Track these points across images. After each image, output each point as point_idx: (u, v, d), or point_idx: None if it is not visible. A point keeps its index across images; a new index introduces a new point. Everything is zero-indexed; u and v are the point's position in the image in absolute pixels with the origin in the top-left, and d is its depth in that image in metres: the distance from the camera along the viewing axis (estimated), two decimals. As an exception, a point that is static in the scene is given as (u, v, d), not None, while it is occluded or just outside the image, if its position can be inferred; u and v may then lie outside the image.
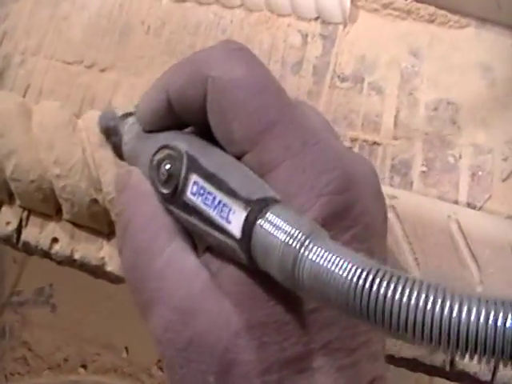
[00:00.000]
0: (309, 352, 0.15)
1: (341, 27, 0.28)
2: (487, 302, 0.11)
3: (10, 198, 0.24)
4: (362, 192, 0.16)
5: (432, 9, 0.28)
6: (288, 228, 0.13)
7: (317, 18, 0.29)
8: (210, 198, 0.15)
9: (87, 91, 0.27)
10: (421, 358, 0.21)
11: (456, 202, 0.24)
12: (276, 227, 0.13)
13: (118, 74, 0.28)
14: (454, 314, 0.11)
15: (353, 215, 0.15)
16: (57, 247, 0.24)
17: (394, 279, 0.11)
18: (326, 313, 0.15)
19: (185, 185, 0.15)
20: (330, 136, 0.17)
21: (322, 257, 0.12)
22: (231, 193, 0.14)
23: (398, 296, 0.11)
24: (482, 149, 0.25)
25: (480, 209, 0.24)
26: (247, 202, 0.14)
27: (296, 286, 0.13)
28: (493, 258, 0.20)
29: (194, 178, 0.15)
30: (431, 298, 0.11)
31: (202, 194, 0.15)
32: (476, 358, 0.11)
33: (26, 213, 0.24)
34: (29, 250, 0.25)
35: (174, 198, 0.16)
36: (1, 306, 0.67)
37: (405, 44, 0.28)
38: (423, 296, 0.11)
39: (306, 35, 0.28)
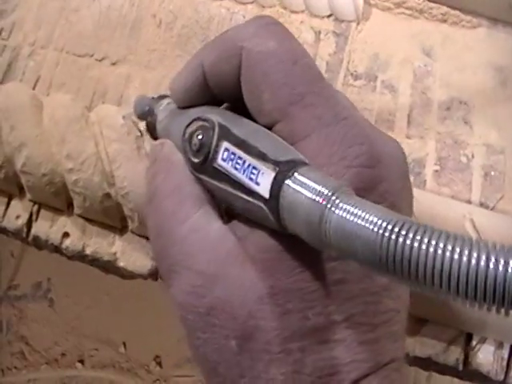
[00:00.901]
0: (331, 323, 0.15)
1: (354, 25, 0.28)
2: None
3: (21, 192, 0.24)
4: (389, 170, 0.16)
5: (444, 8, 0.28)
6: (315, 186, 0.13)
7: (330, 16, 0.29)
8: (240, 162, 0.15)
9: (98, 84, 0.27)
10: (434, 357, 0.21)
11: (469, 202, 0.24)
12: (303, 186, 0.13)
13: (130, 67, 0.27)
14: (482, 263, 0.10)
15: (379, 191, 0.15)
16: (67, 242, 0.24)
17: (421, 230, 0.11)
18: (351, 285, 0.15)
19: (216, 152, 0.16)
20: (359, 114, 0.17)
21: (348, 212, 0.12)
22: (261, 156, 0.15)
23: (424, 246, 0.11)
24: (495, 149, 0.25)
25: (493, 208, 0.24)
26: (276, 164, 0.14)
27: (323, 242, 0.13)
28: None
29: (224, 144, 0.16)
30: (457, 249, 0.11)
31: (233, 159, 0.15)
32: (504, 309, 0.11)
33: (36, 206, 0.24)
34: (39, 244, 0.24)
35: (204, 166, 0.16)
36: (-1, 300, 0.66)
37: (417, 43, 0.28)
38: (449, 247, 0.11)
39: (319, 32, 0.28)
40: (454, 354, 0.21)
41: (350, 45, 0.28)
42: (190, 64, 0.18)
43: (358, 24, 0.28)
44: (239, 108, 0.17)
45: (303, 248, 0.14)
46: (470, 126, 0.26)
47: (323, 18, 0.28)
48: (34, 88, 0.26)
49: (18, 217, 0.24)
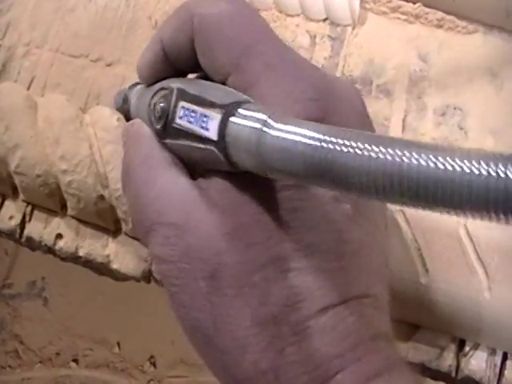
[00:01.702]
0: (292, 251, 0.15)
1: (349, 29, 0.28)
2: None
3: (14, 192, 0.24)
4: (341, 104, 0.16)
5: (440, 14, 0.28)
6: (253, 115, 0.14)
7: (325, 19, 0.28)
8: (194, 114, 0.16)
9: (93, 86, 0.26)
10: (427, 363, 0.21)
11: (462, 208, 0.24)
12: (244, 118, 0.14)
13: (125, 68, 0.27)
14: (414, 162, 0.10)
15: (330, 123, 0.15)
16: (61, 243, 0.24)
17: (354, 136, 0.12)
18: (308, 213, 0.15)
19: (174, 113, 0.17)
20: (309, 62, 0.18)
21: (282, 130, 0.13)
22: (210, 105, 0.16)
23: (359, 152, 0.11)
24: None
25: (486, 215, 0.24)
26: (222, 107, 0.15)
27: (265, 168, 0.14)
28: (501, 264, 0.20)
29: (181, 104, 0.17)
30: (385, 150, 0.11)
31: (187, 115, 0.16)
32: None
33: (29, 207, 0.24)
34: (32, 245, 0.24)
35: (166, 129, 0.17)
36: (-8, 298, 0.66)
37: (413, 48, 0.28)
38: (381, 149, 0.11)
39: (315, 36, 0.28)
40: (447, 361, 0.21)
41: (346, 49, 0.28)
42: (151, 41, 0.19)
43: (353, 28, 0.28)
44: (201, 78, 0.18)
45: (256, 182, 0.15)
46: (465, 132, 0.26)
47: (319, 21, 0.28)
48: (28, 88, 0.26)
49: (11, 217, 0.23)
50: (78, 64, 0.27)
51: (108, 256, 0.24)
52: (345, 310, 0.15)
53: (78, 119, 0.23)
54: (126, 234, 0.24)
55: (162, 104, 0.17)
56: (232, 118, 0.15)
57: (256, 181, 0.15)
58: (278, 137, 0.13)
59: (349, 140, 0.12)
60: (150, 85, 0.20)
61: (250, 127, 0.14)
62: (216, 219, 0.16)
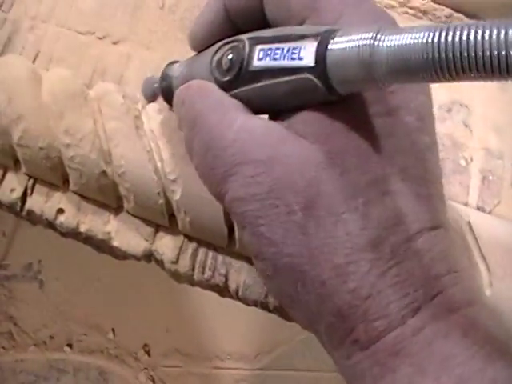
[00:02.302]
0: (388, 175, 0.15)
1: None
2: None
3: (16, 165, 0.24)
4: None
5: (448, 11, 0.28)
6: (357, 35, 0.14)
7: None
8: (279, 51, 0.16)
9: (98, 63, 0.26)
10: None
11: (466, 205, 0.24)
12: (347, 39, 0.14)
13: (131, 47, 0.27)
14: None
15: None
16: (62, 218, 0.24)
17: (468, 26, 0.12)
18: (400, 139, 0.16)
19: (250, 58, 0.17)
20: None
21: (397, 38, 0.13)
22: (299, 37, 0.16)
23: (479, 36, 0.12)
24: (493, 153, 0.25)
25: (489, 213, 0.24)
26: (315, 36, 0.15)
27: (377, 78, 0.14)
28: (503, 261, 0.21)
29: (258, 48, 0.17)
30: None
31: (270, 54, 0.16)
32: None
33: (31, 181, 0.24)
34: (33, 219, 0.24)
35: (239, 77, 0.17)
36: (-12, 279, 0.66)
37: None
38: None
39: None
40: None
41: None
42: (209, 5, 0.19)
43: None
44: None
45: (350, 109, 0.16)
46: (470, 130, 0.26)
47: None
48: (33, 62, 0.26)
49: (12, 190, 0.23)
50: (83, 40, 0.27)
51: (109, 233, 0.24)
52: (436, 235, 0.15)
53: (83, 94, 0.23)
54: (127, 211, 0.24)
55: (230, 55, 0.17)
56: (331, 41, 0.15)
57: (346, 109, 0.16)
58: (392, 43, 0.13)
59: (465, 29, 0.12)
60: (200, 51, 0.20)
61: (358, 44, 0.14)
62: (307, 150, 0.16)
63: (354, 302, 0.15)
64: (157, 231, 0.24)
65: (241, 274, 0.24)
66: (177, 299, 0.70)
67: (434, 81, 0.13)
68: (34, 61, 0.26)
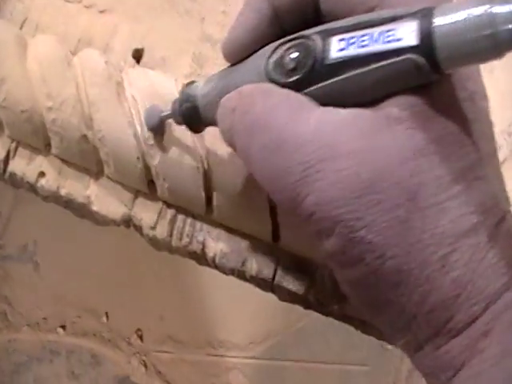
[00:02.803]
0: (480, 159, 0.15)
1: None
2: None
3: (-1, 128, 0.24)
4: None
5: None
6: (465, 8, 0.14)
7: None
8: (367, 38, 0.15)
9: (85, 32, 0.27)
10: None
11: None
12: (454, 12, 0.14)
13: (118, 17, 0.28)
14: None
15: None
16: (43, 181, 0.24)
17: None
18: (482, 124, 0.16)
19: (326, 51, 0.16)
20: None
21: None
22: (389, 20, 0.15)
23: None
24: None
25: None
26: (411, 15, 0.15)
27: (498, 46, 0.14)
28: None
29: (335, 38, 0.16)
30: None
31: (354, 42, 0.15)
32: None
33: (14, 144, 0.24)
34: (15, 182, 0.25)
35: (310, 74, 0.16)
36: (-17, 258, 0.67)
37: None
38: None
39: None
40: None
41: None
42: (253, 2, 0.18)
43: None
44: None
45: (442, 95, 0.15)
46: None
47: None
48: (20, 29, 0.26)
49: (-5, 153, 0.24)
50: (71, 8, 0.27)
51: (89, 197, 0.25)
52: None
53: (67, 59, 0.24)
54: (107, 177, 0.25)
55: (295, 54, 0.16)
56: (436, 17, 0.14)
57: (438, 95, 0.15)
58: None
59: None
60: (236, 63, 0.18)
61: (470, 16, 0.14)
62: (404, 137, 0.15)
63: (457, 290, 0.14)
64: (136, 197, 0.25)
65: (218, 242, 0.25)
66: (171, 287, 0.71)
67: None
68: (21, 28, 0.26)
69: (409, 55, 0.15)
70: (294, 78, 0.16)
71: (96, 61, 0.24)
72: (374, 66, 0.15)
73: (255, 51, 0.18)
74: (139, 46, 0.27)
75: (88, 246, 0.69)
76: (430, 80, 0.15)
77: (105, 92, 0.24)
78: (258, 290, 0.25)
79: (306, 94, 0.16)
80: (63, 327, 0.72)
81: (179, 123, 0.21)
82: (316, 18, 0.18)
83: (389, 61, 0.15)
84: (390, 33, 0.15)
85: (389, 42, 0.15)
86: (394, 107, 0.15)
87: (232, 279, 0.26)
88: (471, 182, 0.15)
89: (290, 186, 0.15)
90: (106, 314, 0.75)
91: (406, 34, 0.15)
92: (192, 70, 0.27)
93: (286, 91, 0.16)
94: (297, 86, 0.17)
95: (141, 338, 0.77)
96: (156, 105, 0.22)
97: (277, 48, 0.17)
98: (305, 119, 0.15)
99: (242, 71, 0.18)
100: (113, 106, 0.24)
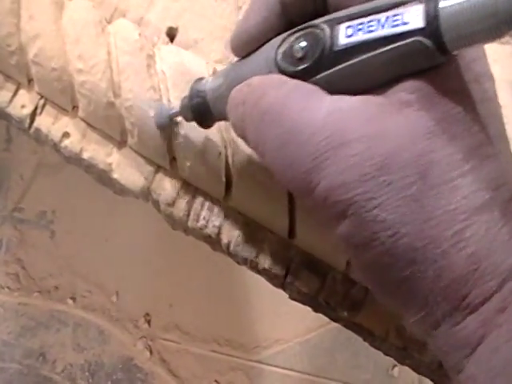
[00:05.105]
0: (488, 138, 0.16)
1: None
2: None
3: (29, 83, 0.25)
4: None
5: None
6: None
7: None
8: (374, 23, 0.16)
9: (121, 2, 0.27)
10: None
11: None
12: None
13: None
14: None
15: None
16: (67, 142, 0.25)
17: None
18: (489, 103, 0.17)
19: (334, 38, 0.17)
20: None
21: None
22: (395, 5, 0.16)
23: None
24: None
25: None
26: None
27: (504, 24, 0.14)
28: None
29: (343, 25, 0.17)
30: None
31: (361, 28, 0.16)
32: None
33: (42, 101, 0.25)
34: (39, 137, 0.26)
35: (319, 61, 0.17)
36: (1, 217, 0.69)
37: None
38: None
39: None
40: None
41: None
42: (258, 1, 0.19)
43: None
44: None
45: (448, 76, 0.16)
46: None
47: None
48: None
49: (23, 106, 0.25)
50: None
51: (110, 164, 0.25)
52: None
53: (101, 25, 0.25)
54: (130, 147, 0.25)
55: (303, 43, 0.17)
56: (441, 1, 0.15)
57: (445, 76, 0.16)
58: None
59: None
60: (245, 56, 0.19)
61: None
62: (414, 118, 0.16)
63: (473, 266, 0.15)
64: (157, 171, 0.25)
65: (234, 230, 0.25)
66: (184, 275, 0.71)
67: None
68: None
69: (415, 38, 0.15)
70: (303, 66, 0.17)
71: (130, 31, 0.25)
72: (381, 49, 0.16)
73: (263, 44, 0.19)
74: (173, 25, 0.27)
75: (105, 223, 0.71)
76: (437, 62, 0.16)
77: (135, 62, 0.24)
78: (272, 295, 0.25)
79: (315, 82, 0.17)
80: (73, 299, 0.74)
81: (188, 120, 0.22)
82: (323, 9, 0.18)
83: (396, 44, 0.16)
84: (396, 17, 0.16)
85: (396, 25, 0.16)
86: (401, 92, 0.16)
87: (252, 277, 0.26)
88: (481, 160, 0.16)
89: (302, 175, 0.16)
90: (117, 293, 0.77)
91: (413, 17, 0.15)
92: (223, 56, 0.27)
93: (295, 81, 0.17)
94: (306, 75, 0.17)
95: (148, 322, 0.78)
96: (164, 104, 0.23)
97: (286, 38, 0.18)
98: (315, 108, 0.16)
99: (251, 63, 0.19)
100: (142, 77, 0.24)
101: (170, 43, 0.27)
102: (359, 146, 0.15)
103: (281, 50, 0.18)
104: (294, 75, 0.17)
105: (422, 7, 0.15)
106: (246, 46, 0.19)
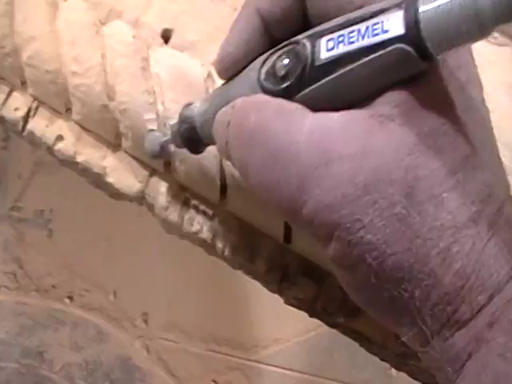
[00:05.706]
0: (475, 148, 0.16)
1: None
2: None
3: (23, 85, 0.25)
4: None
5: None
6: None
7: None
8: (354, 34, 0.16)
9: (117, 3, 0.27)
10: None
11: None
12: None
13: (152, -9, 0.28)
14: None
15: None
16: (60, 145, 0.25)
17: None
18: (476, 112, 0.17)
19: (315, 53, 0.16)
20: None
21: None
22: (375, 14, 0.16)
23: None
24: (508, 171, 0.25)
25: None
26: (396, 5, 0.15)
27: (483, 25, 0.14)
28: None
29: (324, 39, 0.16)
30: None
31: (342, 40, 0.16)
32: None
33: (36, 103, 0.25)
34: (33, 140, 0.26)
35: (302, 78, 0.17)
36: None
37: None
38: None
39: None
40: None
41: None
42: (241, 18, 0.19)
43: None
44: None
45: (431, 87, 0.16)
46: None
47: None
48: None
49: (16, 109, 0.25)
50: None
51: (105, 168, 0.25)
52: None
53: (96, 27, 0.25)
54: (125, 151, 0.25)
55: (285, 60, 0.17)
56: (421, 3, 0.15)
57: (427, 87, 0.16)
58: None
59: None
60: (230, 78, 0.19)
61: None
62: (397, 134, 0.15)
63: (460, 282, 0.15)
64: (151, 175, 0.25)
65: (229, 234, 0.25)
66: (183, 275, 0.71)
67: None
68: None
69: (397, 45, 0.15)
70: (286, 84, 0.17)
71: (124, 33, 0.25)
72: (363, 60, 0.16)
73: (248, 64, 0.19)
74: (169, 27, 0.27)
75: (103, 222, 0.71)
76: (420, 69, 0.16)
77: (130, 65, 0.24)
78: (270, 294, 0.25)
79: (299, 99, 0.17)
80: (71, 298, 0.74)
81: (179, 146, 0.22)
82: (306, 24, 0.18)
83: (377, 53, 0.15)
84: (376, 26, 0.15)
85: (376, 34, 0.15)
86: (384, 105, 0.16)
87: (248, 281, 0.26)
88: (467, 172, 0.15)
89: (288, 197, 0.16)
90: (114, 292, 0.77)
91: (393, 24, 0.15)
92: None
93: (278, 101, 0.17)
94: (290, 93, 0.17)
95: (146, 322, 0.78)
96: (154, 131, 0.23)
97: (268, 58, 0.18)
98: (297, 128, 0.16)
99: (235, 85, 0.19)
100: (137, 80, 0.24)
101: (164, 45, 0.27)
102: (343, 165, 0.15)
103: (264, 70, 0.18)
104: (277, 94, 0.17)
105: (401, 13, 0.15)
106: (231, 69, 0.19)
